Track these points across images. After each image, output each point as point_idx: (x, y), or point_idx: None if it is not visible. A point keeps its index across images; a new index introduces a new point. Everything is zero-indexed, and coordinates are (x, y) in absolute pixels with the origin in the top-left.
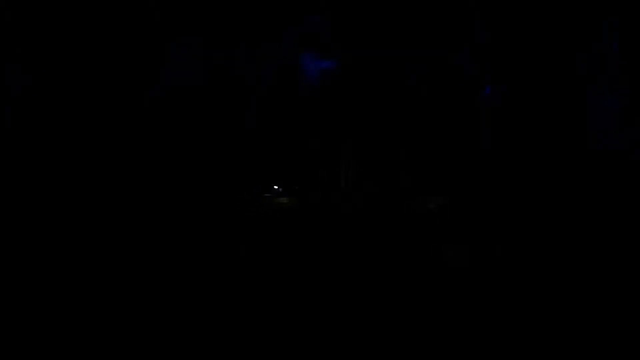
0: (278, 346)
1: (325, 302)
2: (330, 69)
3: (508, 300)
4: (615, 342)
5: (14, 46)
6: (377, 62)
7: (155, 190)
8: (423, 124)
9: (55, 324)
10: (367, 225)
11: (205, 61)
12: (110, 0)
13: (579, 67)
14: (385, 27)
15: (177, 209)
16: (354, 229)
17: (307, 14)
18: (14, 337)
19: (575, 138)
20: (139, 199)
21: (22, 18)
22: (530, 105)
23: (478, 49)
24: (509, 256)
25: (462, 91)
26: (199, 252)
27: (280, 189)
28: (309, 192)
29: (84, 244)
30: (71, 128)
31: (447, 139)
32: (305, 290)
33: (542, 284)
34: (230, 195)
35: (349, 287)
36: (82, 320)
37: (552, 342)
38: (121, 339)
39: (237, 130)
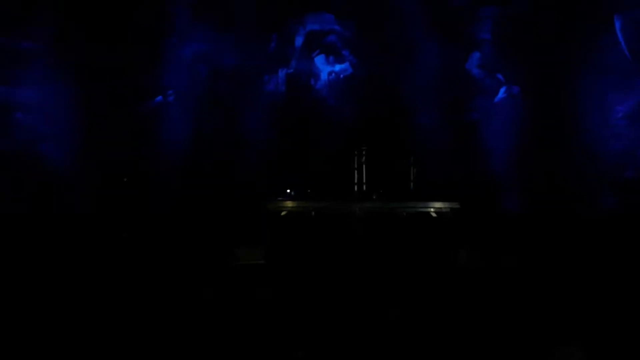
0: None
1: (343, 299)
2: (343, 73)
3: (514, 298)
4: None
5: None
6: (388, 66)
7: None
8: (433, 129)
9: None
10: (383, 228)
11: (212, 62)
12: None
13: (590, 66)
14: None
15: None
16: (369, 231)
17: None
18: None
19: (587, 136)
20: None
21: None
22: (545, 105)
23: (487, 53)
24: (516, 260)
25: (471, 94)
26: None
27: (293, 193)
28: (322, 196)
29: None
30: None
31: (457, 142)
32: (325, 287)
33: (548, 285)
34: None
35: (370, 286)
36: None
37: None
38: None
39: (247, 133)
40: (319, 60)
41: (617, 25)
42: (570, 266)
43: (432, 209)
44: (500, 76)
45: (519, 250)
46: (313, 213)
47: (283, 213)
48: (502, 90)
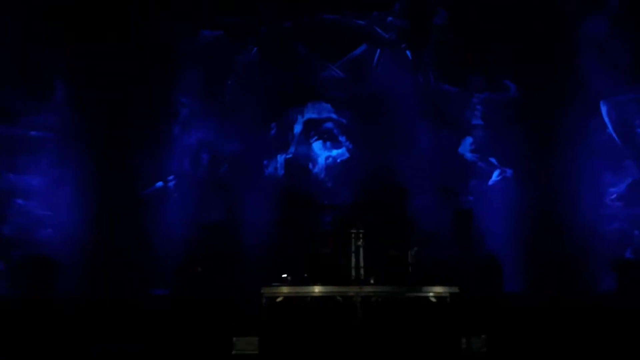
0: None
1: None
2: (340, 157)
3: None
4: None
5: None
6: (383, 151)
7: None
8: (429, 212)
9: None
10: (382, 314)
11: (214, 149)
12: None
13: (582, 149)
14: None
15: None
16: (368, 317)
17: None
18: None
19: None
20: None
21: None
22: (539, 187)
23: (479, 137)
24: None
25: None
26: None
27: (290, 278)
28: (319, 281)
29: None
30: None
31: (453, 225)
32: None
33: None
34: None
35: None
36: None
37: None
38: None
39: (246, 216)
40: (317, 145)
41: (604, 110)
42: (573, 349)
43: (431, 294)
44: (493, 160)
45: (521, 335)
46: (309, 299)
47: (279, 299)
48: (496, 173)
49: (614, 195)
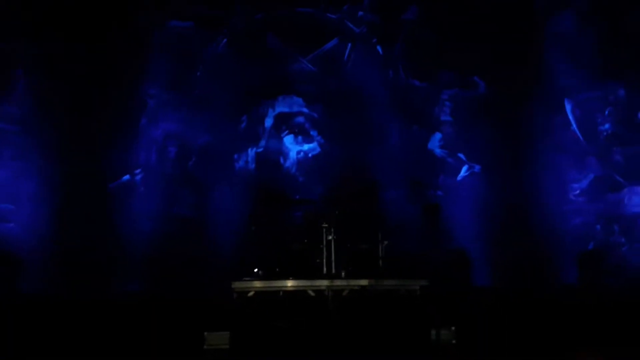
0: None
1: None
2: (311, 152)
3: None
4: None
5: None
6: (354, 146)
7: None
8: (399, 206)
9: None
10: (353, 307)
11: (182, 142)
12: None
13: (547, 145)
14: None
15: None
16: (340, 311)
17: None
18: None
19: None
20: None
21: None
22: (506, 182)
23: (448, 133)
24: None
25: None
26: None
27: (261, 272)
28: (291, 275)
29: None
30: None
31: (422, 219)
32: None
33: None
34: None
35: None
36: None
37: None
38: None
39: (215, 211)
40: (288, 140)
41: (568, 108)
42: (541, 341)
43: (401, 286)
44: (462, 155)
45: (489, 326)
46: (281, 293)
47: (250, 293)
48: (464, 168)
49: (577, 191)
